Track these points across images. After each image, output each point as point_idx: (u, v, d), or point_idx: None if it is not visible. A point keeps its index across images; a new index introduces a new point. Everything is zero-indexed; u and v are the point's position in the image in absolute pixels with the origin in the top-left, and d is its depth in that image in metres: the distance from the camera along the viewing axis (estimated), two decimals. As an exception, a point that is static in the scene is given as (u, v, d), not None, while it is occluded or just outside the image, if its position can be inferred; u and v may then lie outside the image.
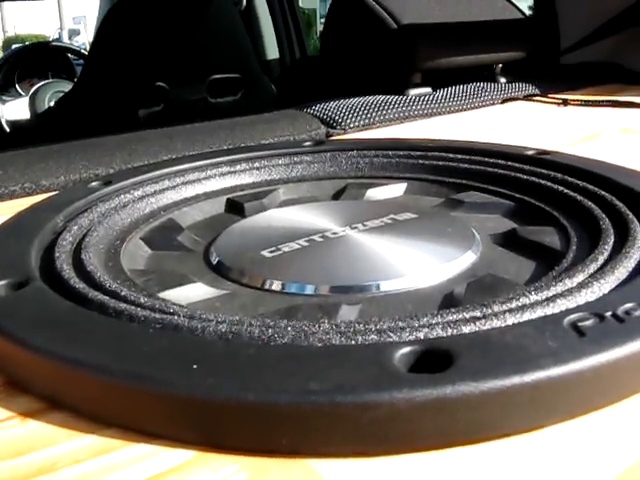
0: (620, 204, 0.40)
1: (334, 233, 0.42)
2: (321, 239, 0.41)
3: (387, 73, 0.97)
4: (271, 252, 0.39)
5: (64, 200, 0.46)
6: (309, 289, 0.35)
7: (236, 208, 0.50)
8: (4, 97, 2.59)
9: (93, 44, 1.57)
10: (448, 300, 0.33)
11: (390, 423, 0.21)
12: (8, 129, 2.35)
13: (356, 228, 0.42)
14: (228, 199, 0.51)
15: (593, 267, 0.32)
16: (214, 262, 0.40)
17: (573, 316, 0.26)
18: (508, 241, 0.41)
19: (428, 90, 0.93)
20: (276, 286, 0.36)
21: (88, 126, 1.31)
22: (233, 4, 1.62)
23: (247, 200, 0.50)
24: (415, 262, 0.37)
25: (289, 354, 0.24)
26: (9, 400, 0.27)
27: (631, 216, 0.38)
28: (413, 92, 0.91)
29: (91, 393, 0.25)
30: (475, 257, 0.39)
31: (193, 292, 0.35)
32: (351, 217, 0.44)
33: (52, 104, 2.23)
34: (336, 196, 0.53)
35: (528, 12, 1.36)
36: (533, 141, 0.66)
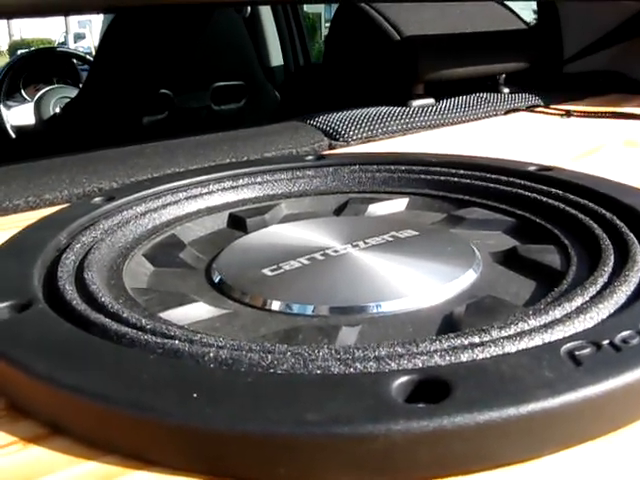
0: (621, 223, 0.41)
1: (335, 251, 0.42)
2: (322, 257, 0.41)
3: (390, 84, 0.97)
4: (272, 270, 0.40)
5: (67, 217, 0.46)
6: (310, 310, 0.35)
7: (238, 223, 0.50)
8: (9, 103, 2.60)
9: (98, 51, 1.58)
10: (447, 322, 0.34)
11: (387, 454, 0.22)
12: (14, 135, 2.36)
13: (357, 246, 0.43)
14: (230, 214, 0.52)
15: (592, 290, 0.33)
16: (215, 280, 0.40)
17: (570, 344, 0.26)
18: (509, 259, 0.41)
19: (431, 101, 0.93)
20: (277, 306, 0.36)
21: (93, 133, 1.31)
22: (236, 12, 1.62)
23: (249, 215, 0.51)
24: (415, 282, 0.38)
25: (287, 383, 0.25)
26: (12, 425, 0.27)
27: (631, 236, 0.38)
28: (416, 103, 0.91)
29: (91, 420, 0.25)
30: (475, 276, 0.39)
31: (194, 312, 0.36)
32: (352, 234, 0.45)
33: (57, 110, 2.25)
34: (338, 211, 0.53)
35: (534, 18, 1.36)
36: (536, 154, 0.67)
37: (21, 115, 2.49)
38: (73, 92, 2.20)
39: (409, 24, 0.95)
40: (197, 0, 0.85)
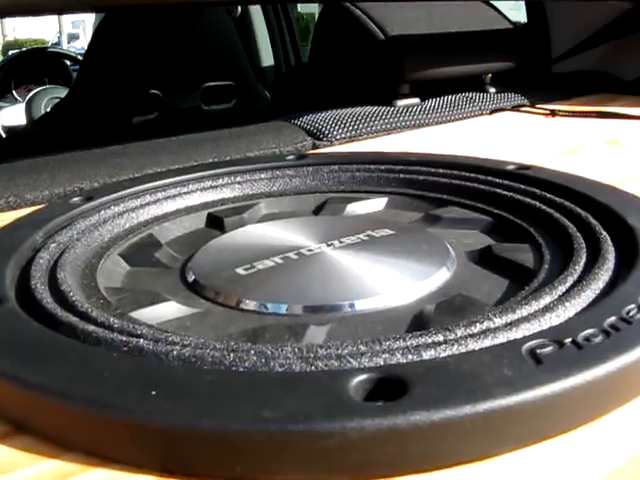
0: (595, 222, 0.41)
1: (309, 250, 0.42)
2: (296, 256, 0.41)
3: (375, 84, 0.97)
4: (246, 270, 0.40)
5: (44, 217, 0.46)
6: (280, 308, 0.35)
7: (216, 223, 0.50)
8: (0, 103, 2.59)
9: (88, 51, 1.57)
10: (417, 320, 0.34)
11: (342, 452, 0.22)
12: (4, 135, 2.35)
13: (332, 245, 0.43)
14: (209, 214, 0.51)
15: (561, 289, 0.33)
16: (189, 280, 0.40)
17: (532, 342, 0.26)
18: (483, 258, 0.41)
19: (416, 101, 0.93)
20: (248, 305, 0.36)
21: (83, 133, 1.31)
22: (227, 12, 1.62)
23: (227, 215, 0.51)
24: (388, 280, 0.38)
25: (247, 380, 0.25)
26: (-25, 423, 0.27)
27: (604, 235, 0.38)
28: (401, 103, 0.91)
29: (53, 418, 0.25)
30: (449, 275, 0.39)
31: (166, 311, 0.36)
32: (328, 233, 0.45)
33: (48, 110, 2.24)
34: (317, 211, 0.53)
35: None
36: (518, 154, 0.67)
37: (12, 116, 2.48)
38: (64, 92, 2.19)
39: (394, 24, 0.95)
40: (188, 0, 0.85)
